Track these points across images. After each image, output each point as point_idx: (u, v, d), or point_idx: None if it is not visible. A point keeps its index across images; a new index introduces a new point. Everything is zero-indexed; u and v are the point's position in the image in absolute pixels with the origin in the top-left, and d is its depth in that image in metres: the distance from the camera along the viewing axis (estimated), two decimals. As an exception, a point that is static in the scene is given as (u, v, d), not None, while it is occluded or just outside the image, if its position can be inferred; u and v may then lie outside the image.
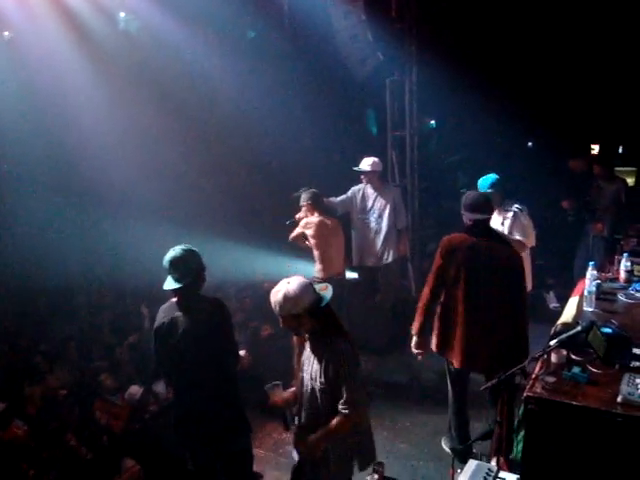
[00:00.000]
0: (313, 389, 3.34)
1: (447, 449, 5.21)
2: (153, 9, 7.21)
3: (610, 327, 4.50)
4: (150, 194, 7.84)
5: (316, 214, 6.38)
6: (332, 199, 7.20)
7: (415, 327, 4.90)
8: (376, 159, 7.27)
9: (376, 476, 3.44)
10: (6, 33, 6.84)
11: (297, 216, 6.48)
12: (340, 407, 3.20)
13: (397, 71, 8.51)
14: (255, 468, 5.21)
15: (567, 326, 4.66)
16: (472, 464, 3.23)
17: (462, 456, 4.58)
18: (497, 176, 5.92)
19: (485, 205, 4.79)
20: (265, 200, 8.54)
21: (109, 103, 7.29)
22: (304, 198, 6.40)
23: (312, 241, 6.36)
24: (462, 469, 3.21)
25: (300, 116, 8.62)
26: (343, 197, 7.35)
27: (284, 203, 6.46)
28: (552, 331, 4.79)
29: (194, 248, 3.93)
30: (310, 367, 3.38)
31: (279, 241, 7.01)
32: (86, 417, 5.52)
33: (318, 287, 3.34)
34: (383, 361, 7.12)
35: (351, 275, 7.46)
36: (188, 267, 3.81)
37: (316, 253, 6.42)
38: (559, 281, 8.64)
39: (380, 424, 5.90)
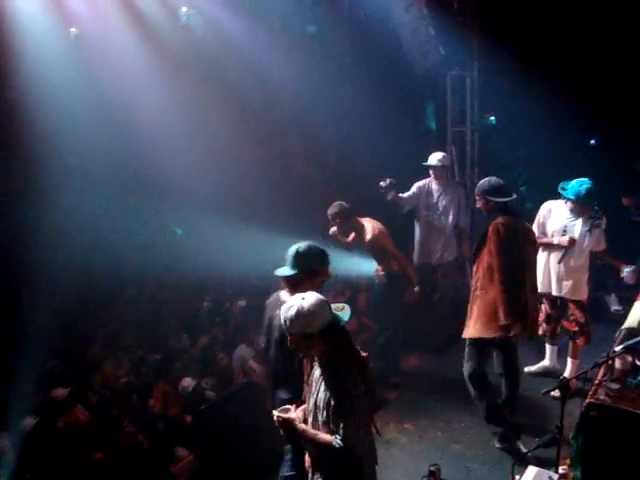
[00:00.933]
0: (315, 416, 3.10)
1: (498, 446, 5.19)
2: (215, 4, 7.29)
3: (679, 333, 4.35)
4: (210, 187, 7.94)
5: (360, 222, 6.18)
6: (401, 195, 7.09)
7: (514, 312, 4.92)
8: (443, 154, 7.20)
9: (432, 479, 3.40)
10: (73, 29, 6.98)
11: (330, 231, 6.34)
12: (334, 437, 2.95)
13: (458, 65, 8.41)
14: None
15: (632, 331, 4.54)
16: (532, 471, 3.16)
17: (516, 455, 4.52)
18: (590, 182, 5.67)
19: (507, 188, 5.24)
20: (324, 194, 8.51)
21: (172, 97, 7.41)
22: (332, 213, 6.10)
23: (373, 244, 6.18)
24: (521, 475, 3.14)
25: (360, 110, 8.56)
26: (410, 193, 7.23)
27: (343, 196, 6.40)
28: (616, 336, 4.67)
29: (322, 248, 3.91)
30: (316, 393, 3.10)
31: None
32: (143, 405, 5.64)
33: (334, 307, 3.08)
34: (439, 360, 7.03)
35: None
36: (305, 261, 3.77)
37: (380, 255, 6.30)
38: (621, 283, 8.38)
39: (434, 424, 5.86)
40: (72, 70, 6.87)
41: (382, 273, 6.35)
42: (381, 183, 6.80)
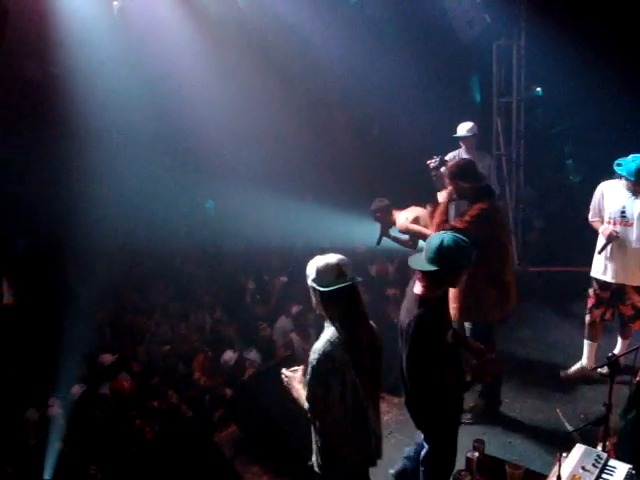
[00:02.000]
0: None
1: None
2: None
3: None
4: (251, 160, 7.94)
5: (404, 211, 6.10)
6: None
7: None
8: (472, 123, 7.06)
9: (476, 453, 3.37)
10: (115, 3, 6.99)
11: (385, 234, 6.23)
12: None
13: (505, 35, 8.19)
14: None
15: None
16: (580, 449, 3.10)
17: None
18: None
19: (478, 171, 5.06)
20: (367, 166, 8.46)
21: (213, 69, 7.39)
22: (378, 210, 6.09)
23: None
24: (568, 453, 3.09)
25: (403, 81, 8.43)
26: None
27: (386, 171, 6.34)
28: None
29: (468, 241, 3.42)
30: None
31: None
32: (188, 375, 5.71)
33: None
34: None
35: None
36: (450, 257, 3.33)
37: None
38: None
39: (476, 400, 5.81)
40: (114, 44, 6.90)
41: None
42: (428, 162, 6.65)
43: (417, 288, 3.47)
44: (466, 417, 5.11)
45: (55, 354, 5.18)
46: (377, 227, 6.24)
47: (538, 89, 10.12)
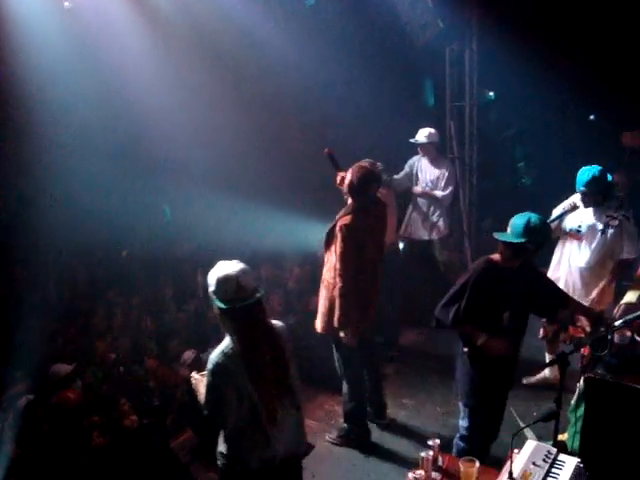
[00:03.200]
0: None
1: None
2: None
3: (678, 308, 4.34)
4: (207, 163, 7.88)
5: None
6: (395, 177, 7.07)
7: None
8: (433, 130, 7.08)
9: (431, 452, 3.40)
10: (66, 3, 6.87)
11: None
12: None
13: (457, 40, 8.31)
14: (307, 439, 5.28)
15: (632, 306, 4.54)
16: (531, 445, 3.16)
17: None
18: (598, 171, 4.99)
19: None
20: (319, 171, 8.48)
21: (166, 71, 7.32)
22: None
23: None
24: (520, 449, 3.14)
25: (357, 84, 8.49)
26: (403, 173, 7.23)
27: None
28: (615, 311, 4.67)
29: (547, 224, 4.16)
30: None
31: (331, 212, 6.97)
32: (141, 383, 5.62)
33: None
34: (437, 336, 6.98)
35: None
36: (536, 233, 3.90)
37: None
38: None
39: (431, 399, 5.91)
40: (65, 44, 6.74)
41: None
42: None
43: (496, 257, 4.08)
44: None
45: (4, 363, 5.06)
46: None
47: (490, 93, 10.27)
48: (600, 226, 5.09)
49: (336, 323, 4.83)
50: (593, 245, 5.15)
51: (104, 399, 5.18)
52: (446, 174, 7.09)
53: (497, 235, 4.04)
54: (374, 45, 8.92)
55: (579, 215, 5.20)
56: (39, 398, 4.90)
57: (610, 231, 5.05)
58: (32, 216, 6.71)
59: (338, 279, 4.78)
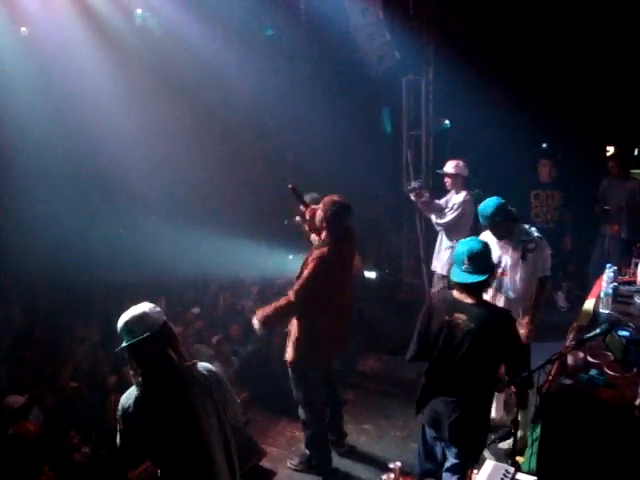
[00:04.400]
0: None
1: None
2: (171, 5, 7.21)
3: (628, 330, 4.48)
4: (164, 189, 7.86)
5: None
6: (437, 202, 6.99)
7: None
8: (461, 162, 6.84)
9: (392, 475, 3.43)
10: (23, 29, 6.83)
11: (297, 218, 6.05)
12: None
13: (413, 70, 8.53)
14: (269, 465, 5.27)
15: (583, 328, 4.66)
16: (489, 465, 3.20)
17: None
18: (500, 200, 5.01)
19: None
20: (280, 196, 8.54)
21: (125, 98, 7.29)
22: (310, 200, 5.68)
23: None
24: (479, 469, 3.19)
25: (317, 114, 8.59)
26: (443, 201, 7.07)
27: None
28: (568, 333, 4.79)
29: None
30: None
31: (291, 238, 7.03)
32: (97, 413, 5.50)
33: None
34: (395, 361, 7.09)
35: (369, 275, 7.44)
36: (486, 262, 3.79)
37: None
38: (571, 281, 8.63)
39: (393, 424, 5.94)
40: (21, 70, 6.71)
41: None
42: (413, 184, 6.82)
43: (469, 300, 3.79)
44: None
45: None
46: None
47: (446, 121, 10.49)
48: (519, 254, 5.06)
49: (260, 319, 4.88)
50: (518, 275, 5.10)
51: (56, 431, 5.06)
52: (456, 204, 6.76)
53: (456, 277, 3.84)
54: (333, 74, 9.07)
55: (495, 252, 4.75)
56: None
57: (530, 255, 5.04)
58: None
59: (291, 293, 4.83)
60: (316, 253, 4.81)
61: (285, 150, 9.40)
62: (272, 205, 8.50)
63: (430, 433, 4.09)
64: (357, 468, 5.31)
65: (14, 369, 5.84)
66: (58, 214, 7.09)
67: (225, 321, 7.26)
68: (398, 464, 3.56)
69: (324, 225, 4.92)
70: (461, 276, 3.78)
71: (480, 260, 3.75)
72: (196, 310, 7.26)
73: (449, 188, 6.91)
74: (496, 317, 3.85)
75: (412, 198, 6.86)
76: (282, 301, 4.88)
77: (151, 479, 4.93)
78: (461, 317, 3.76)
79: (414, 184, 6.87)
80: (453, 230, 6.76)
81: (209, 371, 3.19)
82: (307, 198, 5.58)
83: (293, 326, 5.02)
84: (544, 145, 10.43)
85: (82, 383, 5.80)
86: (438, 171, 7.04)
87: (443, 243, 6.96)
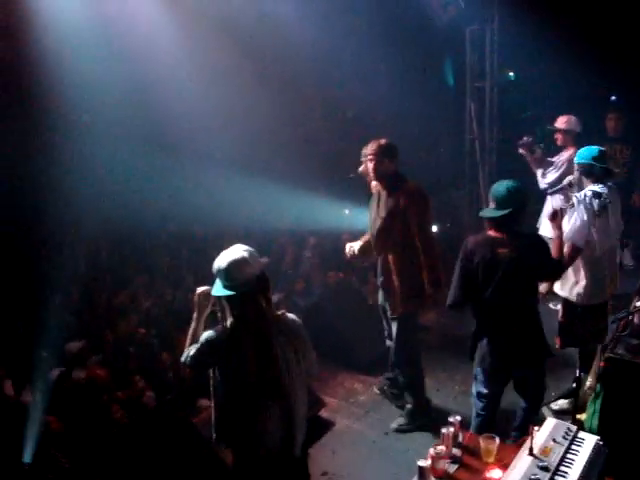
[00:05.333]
0: None
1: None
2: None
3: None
4: (225, 142, 7.91)
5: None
6: (550, 159, 6.70)
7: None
8: (573, 117, 6.54)
9: (452, 429, 3.45)
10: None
11: (360, 170, 5.52)
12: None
13: (478, 20, 8.28)
14: (328, 416, 5.38)
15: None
16: (551, 422, 3.20)
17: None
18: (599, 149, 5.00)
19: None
20: (340, 150, 8.49)
21: (187, 51, 7.33)
22: (369, 150, 5.09)
23: None
24: (540, 427, 3.19)
25: (377, 65, 8.47)
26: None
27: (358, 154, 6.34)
28: (635, 291, 4.68)
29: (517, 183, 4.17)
30: None
31: (352, 192, 7.02)
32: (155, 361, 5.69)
33: None
34: (457, 315, 7.03)
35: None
36: (518, 198, 4.06)
37: None
38: (636, 238, 8.35)
39: (452, 378, 5.99)
40: (86, 25, 6.78)
41: None
42: (525, 139, 6.65)
43: (504, 235, 4.08)
44: None
45: (30, 339, 5.15)
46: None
47: (511, 73, 10.21)
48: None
49: (431, 285, 4.86)
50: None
51: (120, 376, 5.26)
52: (561, 161, 6.50)
53: (484, 213, 4.27)
54: (395, 24, 8.88)
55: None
56: (69, 372, 5.00)
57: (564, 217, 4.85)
58: (57, 196, 6.77)
59: (426, 237, 4.83)
60: (407, 194, 4.78)
61: (345, 103, 9.30)
62: (332, 159, 8.47)
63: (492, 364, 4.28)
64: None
65: (82, 318, 6.07)
66: (122, 167, 7.24)
67: (289, 275, 7.34)
68: (458, 418, 3.57)
69: (386, 157, 4.87)
70: (487, 212, 4.22)
71: (503, 198, 4.06)
72: (264, 260, 7.32)
73: (559, 144, 6.66)
74: (533, 242, 4.21)
75: (522, 152, 6.67)
76: (429, 260, 4.83)
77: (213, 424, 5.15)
78: (503, 250, 4.06)
79: (526, 139, 6.67)
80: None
81: (294, 322, 3.28)
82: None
83: (397, 277, 4.94)
84: (613, 98, 10.04)
85: (148, 329, 6.00)
86: (549, 127, 6.77)
87: (548, 205, 6.72)
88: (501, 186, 4.13)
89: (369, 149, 4.92)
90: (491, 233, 4.16)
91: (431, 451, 3.27)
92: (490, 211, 4.19)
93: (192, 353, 3.17)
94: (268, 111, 8.12)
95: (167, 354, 5.67)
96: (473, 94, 8.53)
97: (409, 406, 5.31)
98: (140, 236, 7.62)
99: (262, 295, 3.12)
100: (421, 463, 3.16)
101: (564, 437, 3.08)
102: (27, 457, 4.17)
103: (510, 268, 4.03)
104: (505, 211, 4.02)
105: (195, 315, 3.28)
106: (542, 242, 4.28)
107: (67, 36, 6.63)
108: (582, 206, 4.79)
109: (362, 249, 5.15)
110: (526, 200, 4.24)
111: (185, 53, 7.42)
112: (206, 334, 3.13)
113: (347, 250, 5.22)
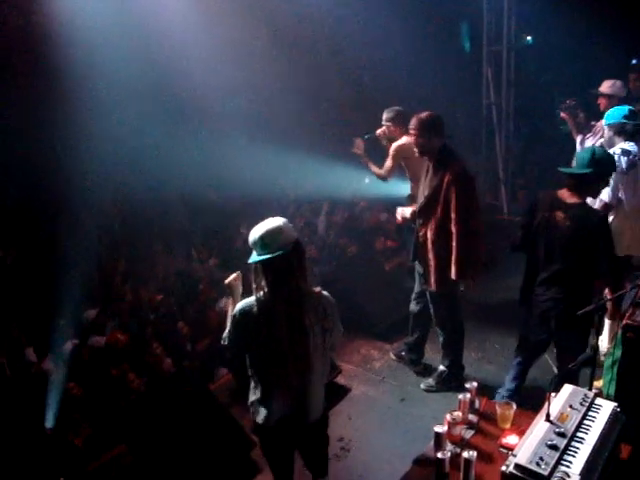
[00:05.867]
0: None
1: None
2: None
3: None
4: (242, 112, 7.88)
5: (403, 135, 5.82)
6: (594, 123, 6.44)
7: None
8: (618, 81, 6.29)
9: (468, 394, 3.47)
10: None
11: (377, 132, 5.99)
12: None
13: (495, -19, 8.11)
14: (344, 382, 5.42)
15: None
16: (568, 389, 3.19)
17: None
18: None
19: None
20: (356, 116, 8.40)
21: (201, 18, 7.26)
22: (386, 117, 5.89)
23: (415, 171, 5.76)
24: (557, 393, 3.18)
25: (392, 30, 8.33)
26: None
27: (376, 119, 6.26)
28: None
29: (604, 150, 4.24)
30: None
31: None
32: (175, 327, 5.74)
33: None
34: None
35: None
36: (603, 162, 4.05)
37: (409, 175, 6.04)
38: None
39: (468, 345, 5.87)
40: (108, 6, 6.76)
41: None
42: (569, 102, 6.42)
43: (571, 200, 4.08)
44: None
45: (50, 308, 5.21)
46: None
47: (528, 38, 10.03)
48: None
49: (456, 277, 4.80)
50: None
51: (139, 343, 5.32)
52: (597, 128, 6.24)
53: (562, 168, 4.21)
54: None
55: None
56: (83, 342, 5.06)
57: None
58: (75, 165, 6.79)
59: (460, 226, 4.67)
60: (453, 174, 4.65)
61: (362, 67, 9.20)
62: (348, 121, 8.39)
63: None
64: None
65: (102, 286, 6.12)
66: (139, 138, 7.24)
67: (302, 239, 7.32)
68: (474, 384, 3.59)
69: (431, 133, 4.73)
70: (567, 169, 4.24)
71: (585, 158, 4.04)
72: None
73: (602, 109, 6.30)
74: (591, 218, 4.07)
75: (563, 116, 6.51)
76: (465, 240, 4.71)
77: (231, 390, 5.23)
78: (559, 215, 4.08)
79: (569, 102, 6.49)
80: None
81: (326, 299, 3.24)
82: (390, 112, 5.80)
83: (433, 256, 4.91)
84: (633, 62, 9.83)
85: (168, 296, 6.05)
86: (592, 91, 6.48)
87: None
88: (587, 149, 4.23)
89: (411, 124, 4.82)
90: (562, 193, 4.14)
91: (447, 417, 3.29)
92: (571, 168, 4.25)
93: (228, 329, 3.21)
94: (283, 76, 8.06)
95: (183, 323, 5.72)
96: (490, 58, 8.38)
97: (442, 367, 5.35)
98: (157, 205, 7.64)
99: (297, 263, 3.10)
100: (437, 429, 3.18)
101: (581, 403, 3.07)
102: (49, 422, 4.25)
103: (562, 235, 4.05)
104: (585, 170, 4.01)
105: (230, 300, 3.32)
106: (603, 224, 4.10)
107: (82, 5, 6.59)
108: None
109: (413, 214, 5.08)
110: (609, 168, 4.13)
111: (202, 19, 7.35)
112: (238, 305, 3.17)
113: (398, 213, 5.19)
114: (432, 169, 4.81)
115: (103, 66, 7.03)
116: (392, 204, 7.47)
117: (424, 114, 4.77)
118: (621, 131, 5.04)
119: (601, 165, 4.02)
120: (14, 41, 6.88)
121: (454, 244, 4.72)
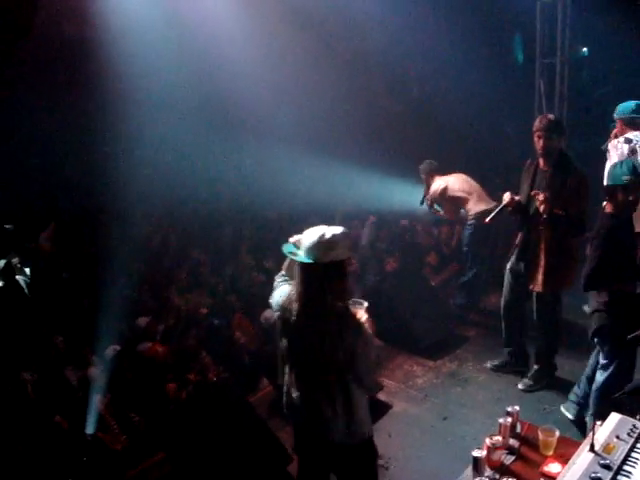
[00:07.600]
0: None
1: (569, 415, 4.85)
2: None
3: None
4: (291, 122, 7.89)
5: (437, 179, 6.71)
6: None
7: None
8: None
9: (509, 419, 3.36)
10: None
11: (426, 196, 6.77)
12: None
13: (549, -8, 7.96)
14: (385, 398, 5.35)
15: None
16: (615, 418, 3.06)
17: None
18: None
19: None
20: (407, 131, 8.33)
21: (251, 29, 7.32)
22: (422, 171, 6.81)
23: (456, 196, 6.64)
24: (603, 422, 3.06)
25: (443, 42, 8.25)
26: None
27: (426, 134, 6.24)
28: None
29: None
30: None
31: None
32: (224, 336, 5.75)
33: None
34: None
35: None
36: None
37: (465, 204, 6.63)
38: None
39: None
40: (151, 5, 6.84)
41: (470, 214, 6.58)
42: None
43: (607, 208, 4.14)
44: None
45: (96, 314, 5.28)
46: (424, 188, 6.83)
47: (584, 49, 9.81)
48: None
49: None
50: None
51: (185, 352, 5.34)
52: None
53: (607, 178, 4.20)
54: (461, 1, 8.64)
55: None
56: (125, 349, 5.11)
57: None
58: (128, 175, 6.89)
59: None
60: (581, 174, 4.88)
61: (412, 81, 9.14)
62: (398, 139, 8.33)
63: None
64: (474, 408, 5.25)
65: (142, 295, 6.18)
66: (187, 149, 7.31)
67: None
68: (517, 407, 3.48)
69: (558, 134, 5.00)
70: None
71: (616, 170, 4.07)
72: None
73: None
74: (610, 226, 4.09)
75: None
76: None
77: (270, 403, 5.20)
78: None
79: None
80: None
81: (355, 320, 3.02)
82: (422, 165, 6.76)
83: (545, 256, 5.00)
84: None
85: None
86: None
87: None
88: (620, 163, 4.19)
89: (537, 124, 5.02)
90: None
91: (487, 441, 3.19)
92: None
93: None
94: (332, 88, 8.06)
95: (240, 333, 5.75)
96: (543, 71, 8.22)
97: (536, 367, 5.43)
98: (202, 213, 7.70)
99: (333, 280, 2.94)
100: (476, 453, 3.08)
101: (629, 434, 2.93)
102: (90, 429, 4.30)
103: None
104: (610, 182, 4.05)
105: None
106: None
107: (130, 17, 6.71)
108: (613, 151, 5.12)
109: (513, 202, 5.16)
110: None
111: (251, 30, 7.41)
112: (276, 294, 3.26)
113: (506, 196, 5.18)
114: (551, 171, 4.98)
115: (153, 80, 7.14)
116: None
117: (549, 115, 5.13)
118: (629, 123, 5.19)
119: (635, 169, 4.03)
120: (67, 53, 7.03)
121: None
